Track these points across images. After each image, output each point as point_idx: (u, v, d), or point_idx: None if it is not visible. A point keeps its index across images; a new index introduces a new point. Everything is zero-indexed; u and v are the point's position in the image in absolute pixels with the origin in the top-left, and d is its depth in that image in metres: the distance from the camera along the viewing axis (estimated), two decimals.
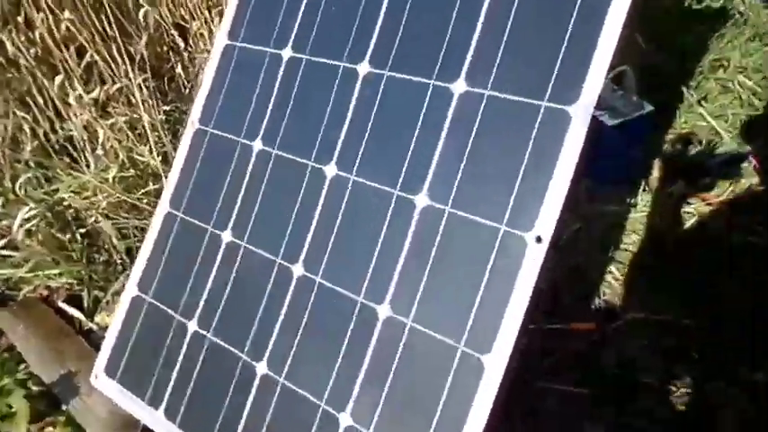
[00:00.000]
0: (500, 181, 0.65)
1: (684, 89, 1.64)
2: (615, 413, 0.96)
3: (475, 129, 0.68)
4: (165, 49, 1.41)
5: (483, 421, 0.61)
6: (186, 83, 1.41)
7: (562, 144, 0.62)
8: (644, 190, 1.43)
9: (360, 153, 0.75)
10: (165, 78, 1.40)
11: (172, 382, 0.84)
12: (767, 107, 1.61)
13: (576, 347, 1.07)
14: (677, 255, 1.25)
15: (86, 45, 1.17)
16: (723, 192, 1.42)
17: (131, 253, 1.17)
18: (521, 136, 0.65)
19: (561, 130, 0.63)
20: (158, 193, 1.26)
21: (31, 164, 1.18)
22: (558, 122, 0.63)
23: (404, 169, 0.71)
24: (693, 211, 1.37)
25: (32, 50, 1.22)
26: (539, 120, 0.64)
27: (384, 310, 0.69)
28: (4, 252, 1.12)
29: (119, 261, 1.16)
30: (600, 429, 0.93)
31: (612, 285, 1.24)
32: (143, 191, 1.15)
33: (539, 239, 0.62)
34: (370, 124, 0.75)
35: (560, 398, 0.98)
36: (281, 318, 0.77)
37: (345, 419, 0.69)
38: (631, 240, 1.33)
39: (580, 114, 0.62)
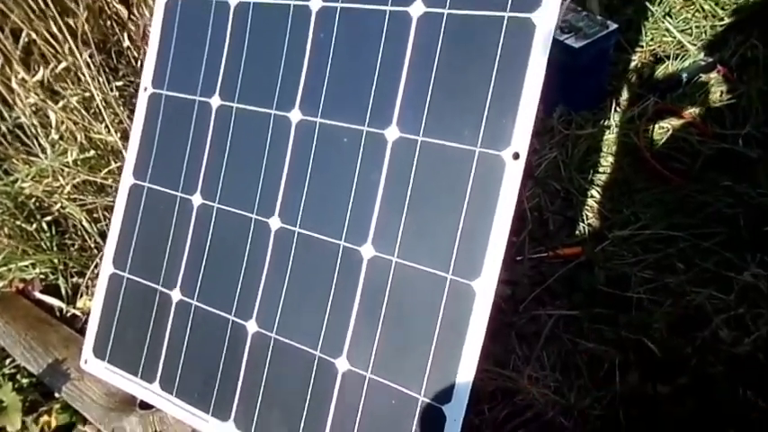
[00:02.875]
0: (469, 101, 0.63)
1: (648, 5, 1.62)
2: (610, 330, 0.97)
3: (438, 51, 0.65)
4: (108, 21, 1.34)
5: (479, 345, 0.61)
6: (136, 55, 1.34)
7: (529, 53, 0.60)
8: (616, 110, 1.42)
9: (323, 94, 0.72)
10: (113, 53, 1.33)
11: (163, 354, 0.82)
12: (731, 15, 1.59)
13: (564, 272, 1.07)
14: (655, 170, 1.26)
15: (20, 24, 1.10)
16: (695, 103, 1.41)
17: (105, 236, 1.14)
18: (486, 51, 0.62)
19: (527, 39, 0.60)
20: (122, 171, 1.22)
21: None
22: (522, 32, 0.61)
23: (370, 104, 0.69)
24: (667, 125, 1.37)
25: None
26: (503, 32, 0.62)
27: (368, 250, 0.68)
28: None
29: (93, 245, 1.13)
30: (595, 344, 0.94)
31: (595, 208, 1.24)
32: (106, 170, 1.11)
33: (516, 156, 0.61)
34: (329, 62, 0.72)
35: (555, 322, 0.98)
36: (265, 273, 0.75)
37: (342, 364, 0.68)
38: (609, 162, 1.33)
39: (544, 20, 0.60)
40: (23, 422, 0.85)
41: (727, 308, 0.98)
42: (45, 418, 0.88)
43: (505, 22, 0.62)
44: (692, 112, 1.39)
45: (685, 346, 0.91)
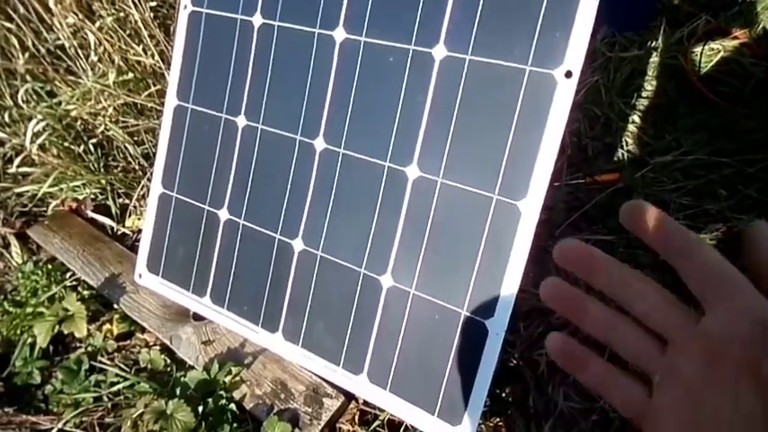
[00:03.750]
0: (521, 16, 0.61)
1: None
2: (645, 255, 0.97)
3: None
4: None
5: (523, 263, 0.63)
6: None
7: None
8: (664, 31, 1.35)
9: (368, 10, 0.70)
10: None
11: (213, 270, 0.86)
12: None
13: (602, 198, 1.07)
14: (701, 94, 1.21)
15: None
16: (750, 23, 1.33)
17: (149, 158, 1.17)
18: None
19: None
20: (162, 94, 1.23)
21: (28, 77, 1.14)
22: None
23: (417, 21, 0.67)
24: (718, 46, 1.30)
25: None
26: None
27: (413, 171, 0.68)
28: (24, 169, 1.12)
29: (137, 167, 1.16)
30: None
31: (635, 134, 1.21)
32: (146, 93, 1.12)
33: (569, 74, 0.59)
34: None
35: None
36: (310, 193, 0.77)
37: (387, 281, 0.71)
38: (653, 86, 1.28)
39: None
40: (88, 329, 0.92)
41: None
42: (107, 326, 0.95)
43: None
44: (746, 32, 1.32)
45: None
